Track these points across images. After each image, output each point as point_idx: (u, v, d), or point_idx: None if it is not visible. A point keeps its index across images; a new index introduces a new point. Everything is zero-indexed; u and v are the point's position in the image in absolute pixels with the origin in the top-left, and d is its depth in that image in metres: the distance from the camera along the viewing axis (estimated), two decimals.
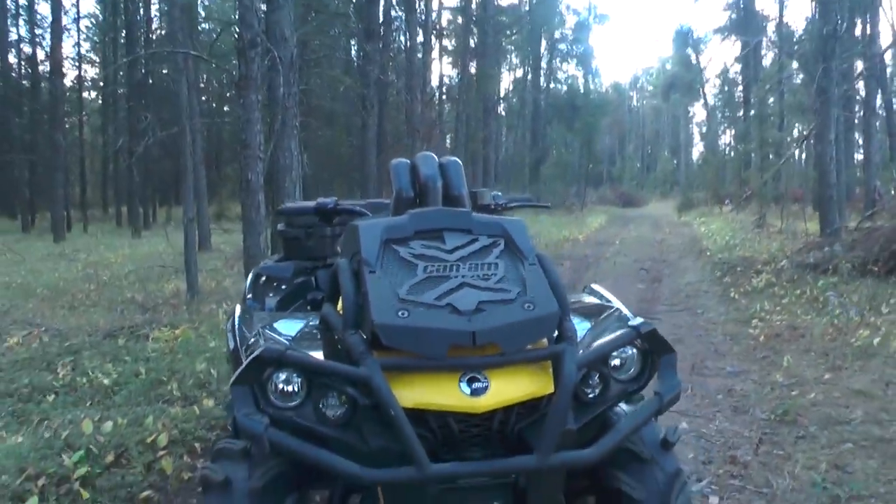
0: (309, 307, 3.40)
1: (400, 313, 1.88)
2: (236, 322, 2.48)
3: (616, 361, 2.15)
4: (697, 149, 75.07)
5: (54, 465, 3.73)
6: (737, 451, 4.36)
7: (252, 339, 2.14)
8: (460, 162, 2.68)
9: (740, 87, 41.85)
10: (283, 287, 3.48)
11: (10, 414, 4.77)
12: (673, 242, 18.91)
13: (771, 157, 22.72)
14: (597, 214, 32.57)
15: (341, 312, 2.03)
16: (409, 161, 2.68)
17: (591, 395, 2.09)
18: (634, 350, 2.16)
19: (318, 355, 2.07)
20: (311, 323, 2.34)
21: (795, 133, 28.34)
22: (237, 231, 17.55)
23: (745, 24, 35.73)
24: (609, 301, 2.61)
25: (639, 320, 2.16)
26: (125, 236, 25.50)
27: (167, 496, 3.77)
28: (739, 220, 21.12)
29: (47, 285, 11.62)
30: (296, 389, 1.95)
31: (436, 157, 2.65)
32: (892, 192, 14.95)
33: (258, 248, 7.79)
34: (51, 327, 7.57)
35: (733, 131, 53.25)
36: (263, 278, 3.55)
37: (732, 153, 45.75)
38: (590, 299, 2.68)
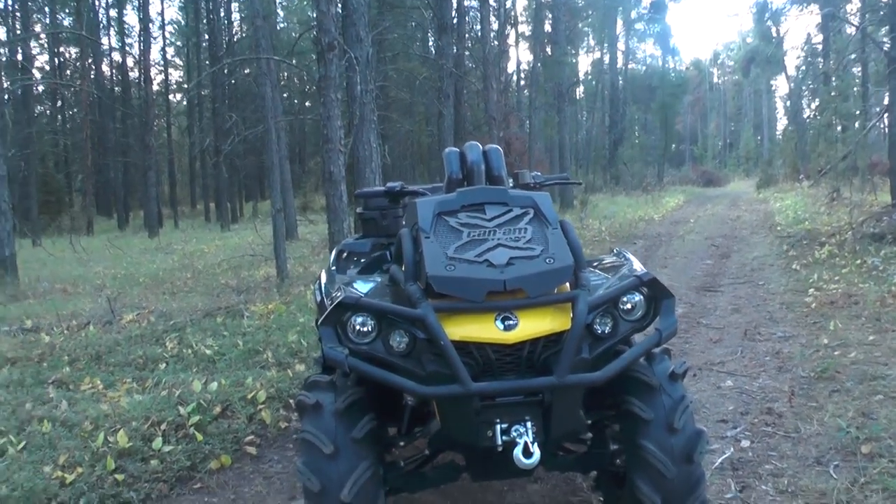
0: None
1: (448, 267, 2.46)
2: (323, 281, 3.11)
3: (627, 305, 2.67)
4: (781, 124, 73.08)
5: (172, 415, 4.48)
6: (773, 404, 4.77)
7: (336, 292, 2.74)
8: (500, 149, 3.25)
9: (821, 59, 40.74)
10: (362, 260, 4.09)
11: (132, 378, 5.55)
12: (747, 219, 18.93)
13: (856, 126, 22.20)
14: (675, 194, 32.42)
15: (404, 270, 2.62)
16: (458, 149, 3.27)
17: (602, 332, 2.61)
18: (641, 296, 2.68)
19: (389, 301, 2.66)
20: (380, 282, 2.93)
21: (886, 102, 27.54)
22: (321, 222, 18.44)
23: None
24: (629, 259, 3.12)
25: (642, 270, 2.69)
26: (214, 230, 26.81)
27: (267, 441, 4.49)
28: (814, 195, 20.92)
29: (148, 275, 12.67)
30: (369, 329, 2.53)
31: (480, 145, 3.22)
32: None
33: (342, 235, 8.45)
34: (156, 309, 8.42)
35: (816, 104, 51.80)
36: (345, 253, 4.18)
37: (812, 127, 44.58)
38: (612, 258, 3.20)
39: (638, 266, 2.92)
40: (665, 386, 2.75)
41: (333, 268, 3.89)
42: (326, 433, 2.55)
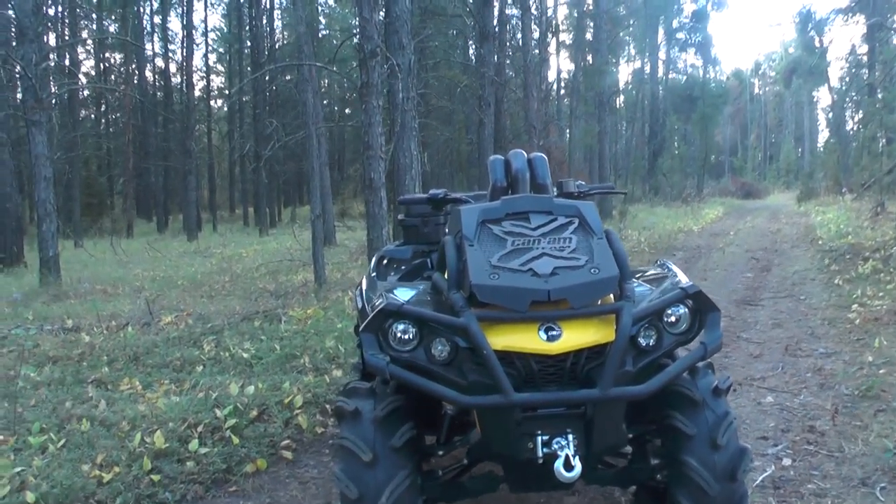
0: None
1: (492, 276, 2.45)
2: (364, 288, 3.11)
3: (672, 318, 2.63)
4: (822, 136, 72.09)
5: (208, 417, 4.52)
6: (816, 422, 4.66)
7: (377, 299, 2.73)
8: (545, 157, 3.24)
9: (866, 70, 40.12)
10: (403, 267, 4.09)
11: (169, 380, 5.60)
12: (788, 232, 18.66)
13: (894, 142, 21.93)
14: (714, 206, 32.08)
15: (447, 278, 2.61)
16: (503, 157, 3.25)
17: (647, 344, 2.57)
18: (686, 309, 2.64)
19: (430, 309, 2.65)
20: (422, 289, 2.92)
21: None
22: (360, 228, 18.50)
23: (871, 2, 34.24)
24: (672, 271, 3.08)
25: (687, 283, 2.65)
26: (253, 234, 27.07)
27: (303, 446, 4.49)
28: (857, 209, 20.55)
29: (187, 278, 12.81)
30: (410, 337, 2.52)
31: (525, 153, 3.21)
32: None
33: (381, 241, 8.45)
34: (194, 312, 8.50)
35: (860, 116, 50.97)
36: (386, 260, 4.18)
37: (856, 140, 43.88)
38: (656, 270, 3.16)
39: (683, 278, 2.88)
40: (708, 401, 2.71)
41: (374, 274, 3.89)
42: (365, 440, 2.54)
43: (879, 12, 29.58)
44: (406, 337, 2.52)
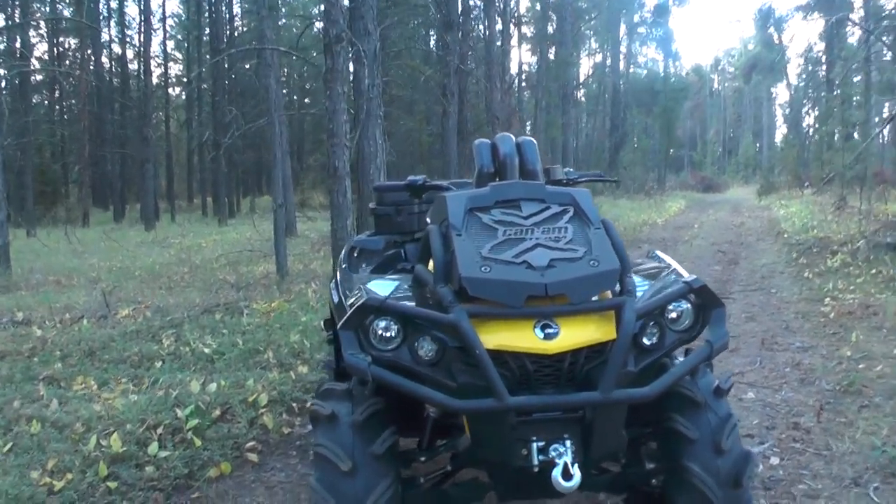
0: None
1: (483, 268, 2.23)
2: (339, 281, 2.87)
3: (673, 314, 2.44)
4: (780, 132, 73.13)
5: (169, 418, 4.23)
6: (800, 419, 4.55)
7: (355, 293, 2.50)
8: (535, 141, 3.02)
9: (824, 67, 40.72)
10: (376, 258, 3.86)
11: (126, 377, 5.31)
12: (751, 226, 18.76)
13: (856, 136, 22.20)
14: (676, 199, 32.28)
15: (432, 270, 2.39)
16: (489, 141, 3.03)
17: (649, 343, 2.38)
18: (688, 305, 2.45)
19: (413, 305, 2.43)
20: (402, 283, 2.69)
21: (886, 113, 27.48)
22: (321, 219, 18.21)
23: (830, 0, 34.65)
24: (668, 264, 2.90)
25: (691, 277, 2.46)
26: (212, 225, 26.58)
27: (269, 447, 4.23)
28: (819, 203, 20.75)
29: (145, 268, 12.43)
30: (393, 335, 2.30)
31: (513, 136, 2.99)
32: None
33: (345, 232, 8.21)
34: (153, 304, 8.18)
35: (817, 112, 51.79)
36: (357, 251, 3.94)
37: (816, 135, 44.55)
38: (651, 262, 2.97)
39: (682, 271, 2.69)
40: (710, 402, 2.53)
41: (345, 265, 3.66)
42: (343, 447, 2.32)
43: (838, 10, 29.92)
44: (388, 335, 2.30)
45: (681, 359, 2.64)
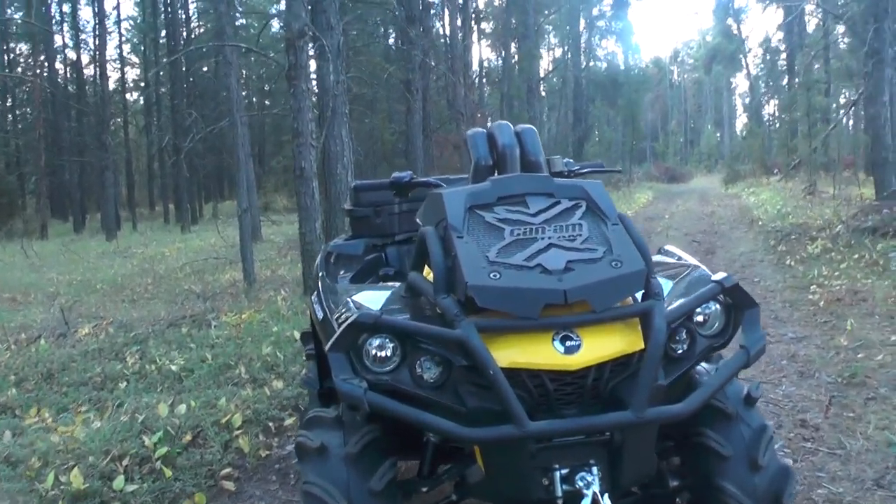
0: (381, 282, 3.47)
1: (492, 275, 1.94)
2: (322, 293, 2.55)
3: (699, 318, 2.17)
4: (741, 121, 74.00)
5: (136, 446, 3.86)
6: (806, 415, 4.31)
7: (343, 308, 2.20)
8: (535, 129, 2.72)
9: (783, 56, 41.08)
10: (355, 265, 3.54)
11: (88, 401, 4.92)
12: (723, 214, 18.68)
13: (818, 124, 22.31)
14: (643, 191, 32.29)
15: (430, 278, 2.09)
16: (485, 130, 2.73)
17: (679, 352, 2.11)
18: (717, 305, 2.18)
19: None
20: (393, 292, 2.39)
21: (842, 99, 27.78)
22: (286, 222, 17.79)
23: None
24: (686, 260, 2.63)
25: (721, 275, 2.18)
26: (174, 232, 25.97)
27: (246, 473, 3.88)
28: (789, 189, 20.77)
29: (106, 281, 11.95)
30: (389, 354, 2.00)
31: (511, 125, 2.70)
32: None
33: (314, 234, 7.87)
34: (115, 319, 7.77)
35: (777, 101, 52.33)
36: (334, 256, 3.62)
37: (777, 123, 44.93)
38: (667, 259, 2.70)
39: (705, 268, 2.42)
40: (741, 413, 2.26)
41: (322, 274, 3.34)
42: (337, 485, 2.02)
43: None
44: (385, 355, 2.00)
45: (704, 366, 2.38)
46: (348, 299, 2.25)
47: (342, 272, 3.45)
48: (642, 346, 1.99)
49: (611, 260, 2.02)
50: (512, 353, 1.92)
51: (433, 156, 19.53)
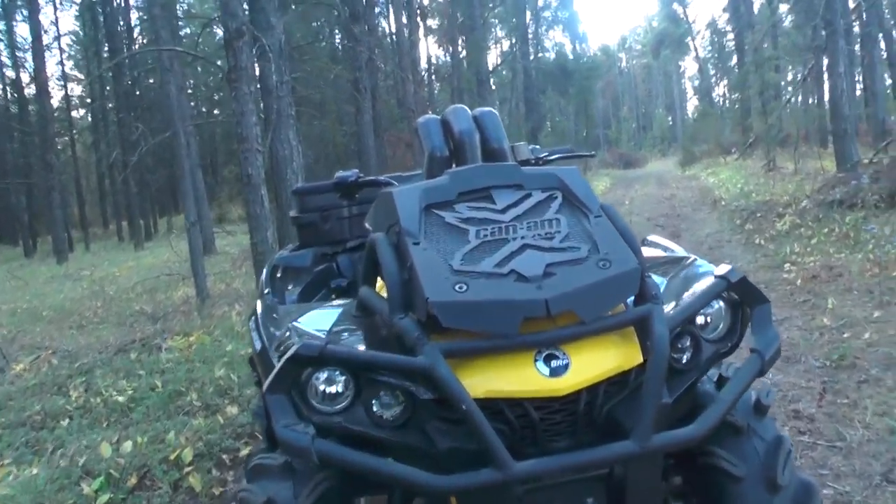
0: (333, 296, 3.12)
1: (458, 287, 1.59)
2: (260, 319, 2.18)
3: (701, 319, 1.86)
4: (692, 103, 74.79)
5: (73, 496, 3.47)
6: (798, 404, 4.06)
7: (283, 337, 1.85)
8: (496, 112, 2.38)
9: (730, 37, 41.40)
10: (303, 277, 3.18)
11: (24, 444, 4.50)
12: (683, 196, 18.57)
13: (772, 101, 22.36)
14: (600, 178, 32.19)
15: (384, 294, 1.75)
16: (438, 117, 2.38)
17: (683, 362, 1.80)
18: (721, 303, 1.88)
19: (361, 348, 1.78)
20: (343, 311, 2.04)
21: (790, 76, 27.98)
22: (240, 233, 17.28)
23: None
24: (675, 251, 2.32)
25: (725, 268, 1.87)
26: (128, 250, 25.25)
27: None
28: (748, 167, 20.76)
29: (54, 307, 11.38)
30: (340, 390, 1.66)
31: (468, 109, 2.35)
32: None
33: (266, 245, 7.48)
34: (60, 349, 7.30)
35: (726, 81, 52.83)
36: (281, 270, 3.25)
37: (728, 103, 45.30)
38: (654, 251, 2.38)
39: (702, 260, 2.11)
40: (753, 425, 1.94)
41: (267, 290, 2.97)
42: None
43: None
44: (334, 391, 1.66)
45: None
46: (290, 325, 1.90)
47: (290, 287, 3.10)
48: (641, 359, 1.68)
49: (597, 260, 1.69)
50: (487, 381, 1.58)
51: (386, 155, 19.18)
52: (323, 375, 1.66)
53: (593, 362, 1.63)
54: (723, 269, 1.86)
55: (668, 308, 1.80)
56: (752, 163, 20.88)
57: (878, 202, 9.43)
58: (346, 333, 1.86)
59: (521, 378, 1.58)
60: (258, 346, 2.04)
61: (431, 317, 1.58)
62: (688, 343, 1.81)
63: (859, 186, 9.95)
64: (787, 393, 4.27)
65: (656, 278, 2.04)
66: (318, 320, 1.98)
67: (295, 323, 1.91)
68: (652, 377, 1.59)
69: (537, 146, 2.89)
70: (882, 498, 3.00)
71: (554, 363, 1.60)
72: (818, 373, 4.50)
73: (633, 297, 1.74)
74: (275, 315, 2.17)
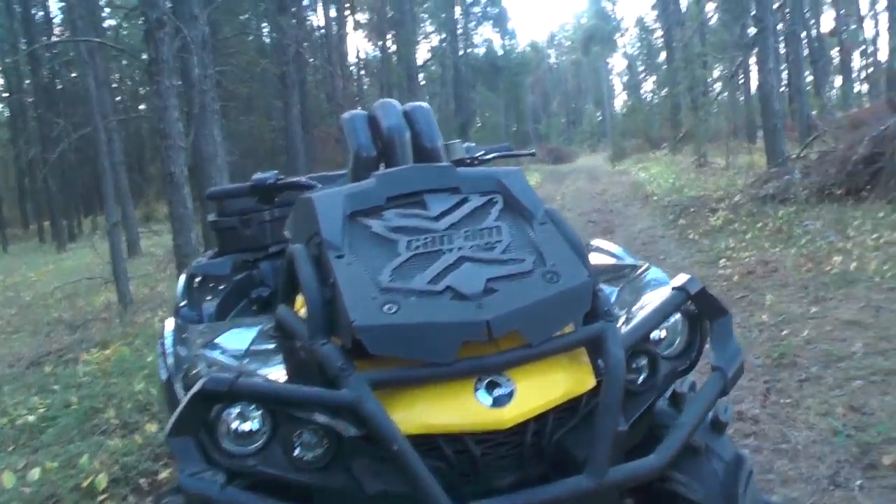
0: (255, 307, 2.88)
1: (386, 308, 1.39)
2: (168, 343, 1.92)
3: (655, 333, 1.70)
4: (620, 99, 75.99)
5: None
6: (742, 406, 3.98)
7: (190, 366, 1.62)
8: (428, 107, 2.17)
9: (658, 34, 42.12)
10: (222, 287, 2.94)
11: None
12: (615, 192, 18.67)
13: (701, 97, 22.72)
14: (530, 173, 32.21)
15: (303, 315, 1.53)
16: (365, 112, 2.16)
17: (639, 383, 1.63)
18: (678, 316, 1.72)
19: (281, 375, 1.57)
20: (263, 331, 1.82)
21: (716, 73, 28.53)
22: (167, 232, 16.68)
23: None
24: (623, 258, 2.16)
25: (683, 278, 1.70)
26: (49, 252, 24.25)
27: None
28: (678, 162, 21.02)
29: None
30: (256, 427, 1.44)
31: (398, 103, 2.14)
32: (837, 115, 15.00)
33: (190, 247, 7.15)
34: None
35: (654, 77, 53.78)
36: (198, 279, 2.99)
37: (656, 99, 46.12)
38: (602, 259, 2.21)
39: (653, 268, 1.95)
40: (711, 445, 1.79)
41: (184, 303, 2.72)
42: None
43: None
44: (248, 429, 1.44)
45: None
46: (198, 352, 1.67)
47: (208, 298, 2.85)
48: (593, 383, 1.51)
49: (544, 273, 1.51)
50: (421, 414, 1.39)
51: (316, 151, 18.86)
52: (235, 411, 1.44)
53: (541, 389, 1.45)
54: (680, 279, 1.70)
55: (624, 324, 1.64)
56: (682, 158, 21.15)
57: (808, 197, 9.57)
58: (262, 360, 1.65)
59: (460, 410, 1.39)
60: (164, 376, 1.80)
61: (357, 342, 1.38)
62: (643, 362, 1.65)
63: (791, 181, 10.08)
64: (730, 394, 4.18)
65: (608, 287, 1.88)
66: (234, 342, 1.77)
67: (204, 350, 1.69)
68: (607, 404, 1.42)
69: (473, 144, 2.69)
70: (830, 502, 2.91)
71: (497, 391, 1.41)
72: (759, 372, 4.45)
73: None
74: (185, 336, 1.93)
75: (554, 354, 1.48)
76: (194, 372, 1.57)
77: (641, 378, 1.65)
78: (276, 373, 1.60)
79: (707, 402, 1.63)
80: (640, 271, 1.95)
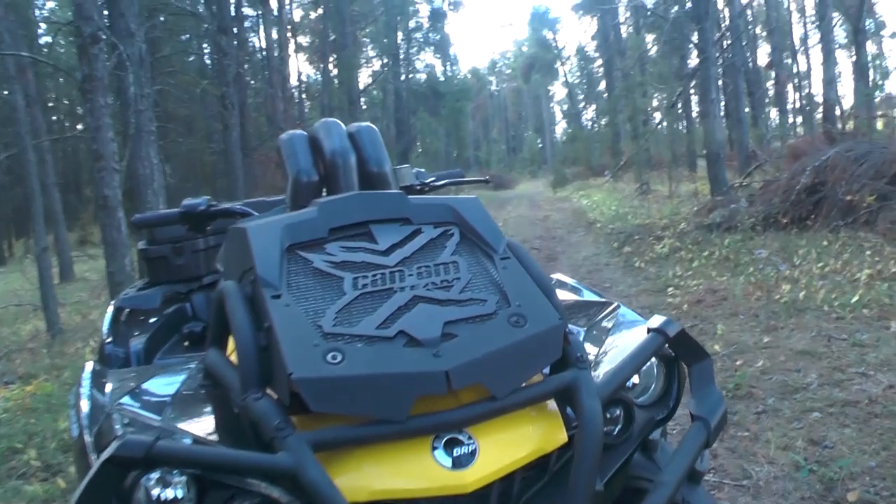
0: (187, 343, 2.65)
1: (330, 356, 1.18)
2: (83, 392, 1.68)
3: (634, 379, 1.55)
4: (560, 126, 77.19)
5: None
6: None
7: (104, 423, 1.40)
8: (375, 128, 1.97)
9: (598, 63, 42.88)
10: (152, 321, 2.70)
11: None
12: (557, 218, 18.72)
13: (641, 126, 23.09)
14: None
15: (235, 362, 1.33)
16: (305, 133, 1.96)
17: (614, 435, 1.47)
18: (656, 361, 1.57)
19: (211, 428, 1.37)
20: (192, 377, 1.61)
21: (655, 103, 29.10)
22: (101, 257, 16.17)
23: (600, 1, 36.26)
24: (587, 294, 2.00)
25: (660, 319, 1.54)
26: None
27: None
28: (620, 190, 21.23)
29: None
30: (179, 495, 1.23)
31: (342, 123, 1.95)
32: (775, 145, 15.34)
33: (124, 273, 6.83)
34: None
35: (595, 106, 54.70)
36: (126, 313, 2.75)
37: (597, 127, 46.88)
38: (563, 294, 2.04)
39: (623, 306, 1.80)
40: (688, 497, 1.63)
41: (109, 339, 2.48)
42: None
43: (610, 13, 31.35)
44: (172, 496, 1.23)
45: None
46: (115, 405, 1.45)
47: (136, 333, 2.62)
48: (565, 438, 1.33)
49: (509, 315, 1.32)
50: (372, 479, 1.19)
51: (256, 175, 18.58)
52: (155, 476, 1.23)
53: (507, 447, 1.26)
54: (656, 320, 1.54)
55: (598, 371, 1.48)
56: (624, 185, 21.38)
57: (754, 225, 9.69)
58: (189, 412, 1.43)
59: (416, 472, 1.20)
60: (75, 431, 1.56)
61: (296, 396, 1.18)
62: (618, 412, 1.49)
63: (737, 210, 10.20)
64: (684, 427, 4.06)
65: (576, 329, 1.72)
66: (158, 389, 1.55)
67: (123, 401, 1.47)
68: (581, 462, 1.25)
69: (422, 170, 2.51)
70: None
71: (457, 451, 1.22)
72: None
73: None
74: (104, 382, 1.69)
75: (521, 408, 1.30)
76: (109, 429, 1.35)
77: (616, 430, 1.49)
78: (205, 426, 1.39)
79: (689, 457, 1.46)
80: (608, 310, 1.80)
